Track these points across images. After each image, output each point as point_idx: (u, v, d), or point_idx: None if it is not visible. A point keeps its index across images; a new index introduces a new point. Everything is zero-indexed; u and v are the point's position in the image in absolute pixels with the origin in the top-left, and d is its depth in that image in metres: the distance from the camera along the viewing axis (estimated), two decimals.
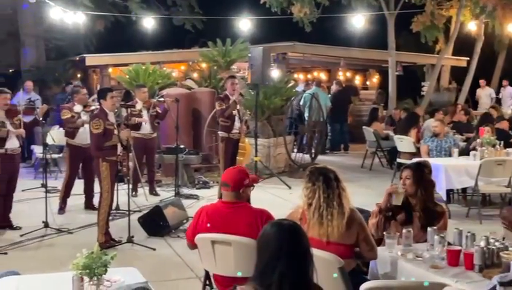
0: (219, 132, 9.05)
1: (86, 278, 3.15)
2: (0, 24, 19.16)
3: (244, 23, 14.27)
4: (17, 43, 18.24)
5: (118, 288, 3.34)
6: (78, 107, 8.95)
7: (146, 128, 9.95)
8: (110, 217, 8.53)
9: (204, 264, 4.45)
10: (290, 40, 16.01)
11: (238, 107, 8.89)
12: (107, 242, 7.24)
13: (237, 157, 8.88)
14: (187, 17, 18.40)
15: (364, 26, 14.68)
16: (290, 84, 12.93)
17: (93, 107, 8.99)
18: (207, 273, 4.52)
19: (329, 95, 15.60)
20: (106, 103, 7.33)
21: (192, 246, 4.45)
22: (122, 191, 9.02)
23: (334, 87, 16.22)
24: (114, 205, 8.84)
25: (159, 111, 10.14)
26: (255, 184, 4.50)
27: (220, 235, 4.20)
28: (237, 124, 8.86)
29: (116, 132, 7.28)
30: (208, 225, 4.27)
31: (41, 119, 8.59)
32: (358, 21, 14.15)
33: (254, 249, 4.04)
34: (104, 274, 3.14)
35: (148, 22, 15.12)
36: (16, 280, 3.80)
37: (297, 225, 2.87)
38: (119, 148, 7.32)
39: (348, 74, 20.28)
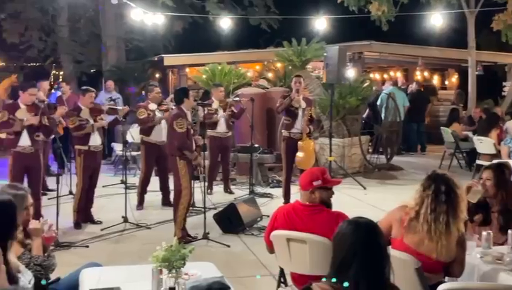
0: (281, 130, 9.02)
1: (165, 271, 3.23)
2: (84, 25, 19.87)
3: (320, 23, 14.18)
4: (99, 44, 18.83)
5: (195, 281, 3.41)
6: (152, 105, 9.15)
7: (222, 127, 10.08)
8: (187, 214, 8.78)
9: (279, 261, 4.47)
10: (366, 39, 15.82)
11: (302, 106, 8.78)
12: (184, 238, 7.36)
13: (296, 158, 8.78)
14: (263, 17, 18.47)
15: (443, 25, 14.31)
16: (367, 84, 12.74)
17: (166, 106, 9.20)
18: (282, 271, 4.54)
19: (407, 95, 15.31)
20: (189, 102, 7.48)
21: (271, 249, 4.44)
22: (197, 189, 9.21)
23: (413, 87, 15.92)
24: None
25: (235, 111, 10.25)
26: (330, 186, 4.34)
27: (295, 232, 4.21)
28: (299, 123, 8.77)
29: (192, 131, 7.40)
30: (284, 224, 4.27)
31: (121, 119, 8.90)
32: (437, 19, 13.80)
33: (329, 248, 4.05)
34: (182, 267, 3.21)
35: (225, 22, 15.27)
36: (98, 271, 3.94)
37: (374, 223, 2.84)
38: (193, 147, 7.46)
39: (426, 74, 19.85)
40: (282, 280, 4.58)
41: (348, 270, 2.71)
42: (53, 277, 4.01)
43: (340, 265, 2.76)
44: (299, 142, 8.73)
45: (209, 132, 10.02)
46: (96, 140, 8.16)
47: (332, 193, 4.33)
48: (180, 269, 3.17)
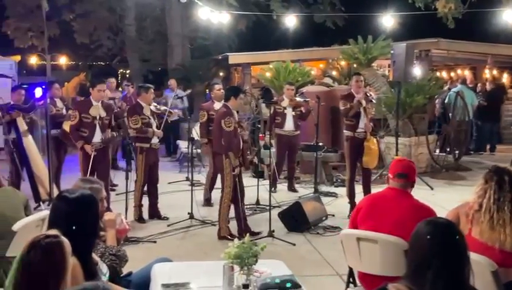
0: (344, 131, 8.87)
1: (237, 268, 3.23)
2: (150, 24, 20.24)
3: (387, 20, 13.97)
4: (164, 43, 19.13)
5: (266, 279, 3.40)
6: (218, 104, 9.18)
7: (289, 125, 10.03)
8: (250, 212, 8.80)
9: (349, 261, 4.41)
10: (433, 36, 15.49)
11: (364, 105, 8.62)
12: (230, 235, 7.35)
13: (363, 158, 8.63)
14: (328, 15, 18.34)
15: (508, 22, 13.83)
16: (434, 82, 12.46)
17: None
18: (351, 270, 4.47)
19: (476, 94, 14.90)
20: (234, 102, 7.44)
21: None
22: (261, 187, 9.22)
23: (488, 86, 15.50)
24: (254, 200, 9.08)
25: (303, 111, 10.18)
26: None
27: (366, 232, 4.15)
28: (362, 122, 8.60)
29: (239, 130, 7.39)
30: (368, 207, 4.32)
31: (169, 122, 9.10)
32: (509, 16, 13.33)
33: (401, 248, 3.98)
34: (254, 264, 3.20)
35: (290, 20, 15.25)
36: (168, 265, 3.99)
37: (453, 224, 2.76)
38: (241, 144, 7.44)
39: (495, 72, 19.26)
40: (351, 280, 4.51)
41: (426, 271, 2.64)
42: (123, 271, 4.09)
43: (418, 266, 2.68)
44: (366, 143, 8.59)
45: (277, 130, 10.01)
46: (155, 138, 8.34)
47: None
48: (252, 266, 3.16)
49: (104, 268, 3.36)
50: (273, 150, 10.20)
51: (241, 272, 3.20)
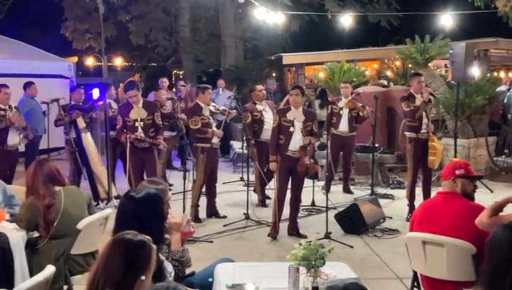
0: (406, 133, 8.69)
1: (303, 270, 3.19)
2: (204, 25, 20.37)
3: (446, 19, 13.70)
4: (218, 43, 19.22)
5: (332, 281, 3.33)
6: (260, 106, 9.16)
7: (344, 126, 9.92)
8: (306, 213, 8.74)
9: (413, 264, 4.31)
10: (491, 36, 15.10)
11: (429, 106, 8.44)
12: (275, 233, 7.43)
13: (429, 157, 8.43)
14: (383, 14, 18.09)
15: None
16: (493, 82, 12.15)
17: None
18: (415, 274, 4.38)
19: None
20: (290, 99, 7.49)
21: None
22: (316, 188, 9.15)
23: None
24: (309, 201, 9.02)
25: (360, 114, 10.04)
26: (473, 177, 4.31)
27: (431, 235, 4.05)
28: (425, 123, 8.41)
29: (292, 129, 7.34)
30: (421, 213, 4.27)
31: (228, 121, 9.15)
32: None
33: (469, 252, 3.87)
34: (321, 267, 3.15)
35: (345, 20, 15.11)
36: (231, 266, 3.97)
37: None
38: (295, 145, 7.37)
39: None
40: (415, 284, 4.41)
41: (504, 277, 2.55)
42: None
43: (496, 272, 2.59)
44: (430, 143, 8.42)
45: (331, 130, 9.92)
46: (216, 138, 8.34)
47: (475, 187, 4.30)
48: (319, 269, 3.12)
49: (169, 267, 3.37)
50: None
51: (308, 274, 3.15)
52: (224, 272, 3.78)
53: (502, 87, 14.41)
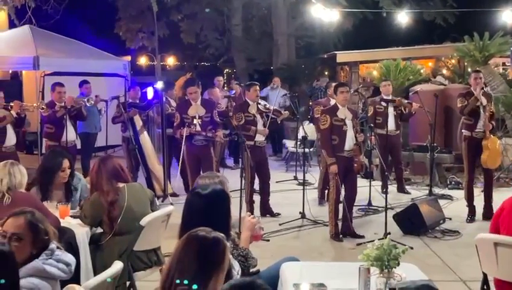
0: (462, 130, 8.48)
1: (374, 270, 3.11)
2: (256, 24, 20.37)
3: (508, 15, 13.30)
4: (270, 42, 19.19)
5: (403, 283, 3.25)
6: (332, 101, 9.09)
7: (390, 124, 9.71)
8: (363, 213, 8.63)
9: (484, 266, 4.17)
10: None
11: (484, 104, 8.17)
12: (336, 235, 7.30)
13: (482, 156, 8.20)
14: (439, 11, 17.73)
15: None
16: None
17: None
18: (485, 277, 4.23)
19: None
20: (337, 98, 7.40)
21: None
22: (372, 188, 9.02)
23: None
24: (366, 201, 8.89)
25: (404, 112, 9.86)
26: None
27: (503, 237, 3.91)
28: (481, 121, 8.16)
29: (345, 128, 7.22)
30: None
31: (279, 122, 9.12)
32: None
33: None
34: (395, 268, 3.07)
35: (401, 17, 14.87)
36: (297, 265, 3.92)
37: None
38: (350, 144, 7.26)
39: None
40: (485, 287, 4.26)
41: None
42: None
43: None
44: (483, 142, 8.17)
45: (377, 130, 9.71)
46: (261, 136, 8.33)
47: None
48: (392, 270, 3.03)
49: (236, 265, 3.34)
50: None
51: (381, 275, 3.07)
52: (290, 271, 3.73)
53: None
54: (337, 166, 7.18)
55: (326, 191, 9.07)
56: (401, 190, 10.08)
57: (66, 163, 5.30)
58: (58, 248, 3.30)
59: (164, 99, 9.44)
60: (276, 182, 10.55)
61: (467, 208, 8.33)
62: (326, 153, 7.29)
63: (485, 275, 4.23)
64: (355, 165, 7.41)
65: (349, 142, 7.27)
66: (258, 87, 8.49)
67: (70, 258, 3.28)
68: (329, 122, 7.19)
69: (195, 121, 8.11)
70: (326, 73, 18.56)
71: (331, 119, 7.20)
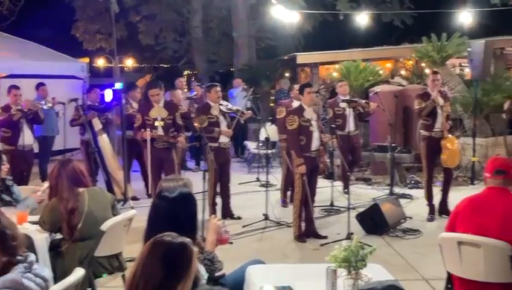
0: (420, 131, 8.60)
1: (341, 272, 3.09)
2: (216, 26, 20.30)
3: (464, 17, 13.56)
4: (231, 44, 19.15)
5: (369, 284, 3.24)
6: (296, 103, 9.07)
7: (350, 125, 9.77)
8: (325, 213, 8.65)
9: (447, 265, 4.19)
10: (508, 34, 14.90)
11: (441, 104, 8.30)
12: (300, 236, 7.30)
13: (441, 156, 8.31)
14: (396, 12, 17.94)
15: None
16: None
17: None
18: (449, 276, 4.26)
19: None
20: (304, 99, 7.39)
21: None
22: (334, 188, 9.05)
23: None
24: (328, 202, 8.92)
25: (362, 111, 9.94)
26: None
27: (468, 235, 3.95)
28: (439, 122, 8.29)
29: (311, 128, 7.23)
30: (468, 208, 4.15)
31: (242, 122, 9.04)
32: None
33: (507, 253, 3.76)
34: (362, 269, 3.05)
35: (359, 19, 15.00)
36: (264, 268, 3.88)
37: None
38: (316, 145, 7.29)
39: None
40: (449, 285, 4.29)
41: None
42: None
43: None
44: (442, 142, 8.29)
45: (338, 132, 9.74)
46: (225, 138, 8.29)
47: None
48: (360, 271, 3.01)
49: (202, 270, 3.28)
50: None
51: (349, 276, 3.05)
52: (256, 274, 3.69)
53: None
54: (305, 166, 7.17)
55: (289, 193, 9.11)
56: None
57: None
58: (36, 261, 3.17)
59: (124, 101, 9.31)
60: (239, 183, 10.53)
61: (427, 207, 8.43)
62: (295, 153, 7.26)
63: (449, 274, 4.26)
64: (321, 165, 7.45)
65: (316, 143, 7.31)
66: (219, 88, 8.44)
67: (47, 273, 3.16)
68: (297, 123, 7.19)
69: (156, 123, 8.01)
70: (287, 74, 18.59)
71: (299, 120, 7.20)
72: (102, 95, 9.50)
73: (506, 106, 11.63)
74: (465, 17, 13.57)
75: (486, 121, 11.40)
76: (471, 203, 4.14)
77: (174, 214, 3.18)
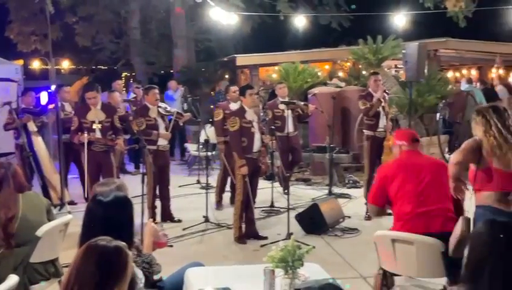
0: (364, 131, 8.78)
1: (279, 272, 3.12)
2: (155, 27, 20.13)
3: (400, 19, 13.90)
4: (169, 45, 19.03)
5: (306, 283, 3.28)
6: (234, 105, 9.08)
7: (289, 127, 9.83)
8: (266, 214, 8.70)
9: (382, 263, 4.29)
10: (441, 36, 15.37)
11: (382, 104, 8.53)
12: (241, 238, 7.32)
13: (383, 157, 8.52)
14: (333, 15, 18.23)
15: None
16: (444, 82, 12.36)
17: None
18: (384, 273, 4.36)
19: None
20: (245, 100, 7.42)
21: (382, 208, 4.66)
22: (274, 189, 9.11)
23: (496, 84, 15.40)
24: (267, 203, 8.97)
25: (301, 113, 10.05)
26: None
27: (401, 233, 4.06)
28: (382, 121, 8.51)
29: (253, 130, 7.29)
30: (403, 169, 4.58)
31: (181, 125, 8.99)
32: None
33: (438, 249, 3.88)
34: (299, 268, 3.09)
35: (298, 21, 15.15)
36: (202, 270, 3.87)
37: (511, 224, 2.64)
38: (257, 146, 7.35)
39: (501, 71, 19.12)
40: (384, 282, 4.39)
41: (482, 272, 2.53)
42: None
43: (475, 267, 2.57)
44: (385, 142, 8.48)
45: (277, 133, 9.81)
46: (164, 140, 8.24)
47: None
48: (297, 270, 3.05)
49: (139, 274, 3.25)
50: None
51: (286, 276, 3.08)
52: (195, 276, 3.68)
53: (462, 86, 14.67)
54: (247, 167, 7.19)
55: (224, 195, 9.13)
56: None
57: None
58: None
59: (59, 104, 9.11)
60: (179, 186, 10.47)
61: (364, 205, 8.55)
62: (237, 154, 7.28)
63: (384, 271, 4.36)
64: (263, 166, 7.50)
65: (257, 144, 7.34)
66: (157, 91, 8.38)
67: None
68: (239, 124, 7.21)
69: (94, 126, 7.88)
70: (226, 76, 18.62)
71: (241, 121, 7.22)
72: (38, 98, 9.27)
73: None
74: (400, 20, 13.90)
75: (420, 121, 11.70)
76: (400, 167, 4.61)
77: (109, 218, 3.14)
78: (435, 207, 4.30)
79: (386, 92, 8.85)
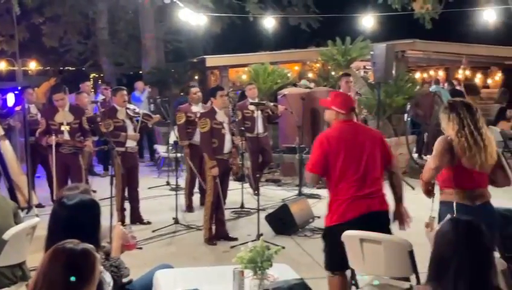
0: None
1: (249, 272, 3.13)
2: (123, 27, 19.99)
3: (366, 21, 14.01)
4: (138, 46, 18.92)
5: (276, 284, 3.30)
6: (195, 107, 9.04)
7: (259, 127, 9.84)
8: (236, 215, 8.71)
9: (351, 263, 4.33)
10: (409, 37, 15.56)
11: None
12: (210, 239, 7.32)
13: None
14: (302, 16, 18.32)
15: (491, 22, 13.87)
16: (411, 83, 12.52)
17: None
18: (353, 272, 4.40)
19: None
20: (216, 102, 7.41)
21: (320, 176, 4.67)
22: (244, 190, 9.12)
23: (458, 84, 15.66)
24: (237, 204, 8.98)
25: (271, 114, 10.08)
26: None
27: (369, 233, 4.09)
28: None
29: (223, 131, 7.30)
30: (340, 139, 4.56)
31: (150, 126, 9.00)
32: (489, 15, 13.22)
33: (406, 249, 3.93)
34: (268, 269, 3.10)
35: (267, 22, 15.18)
36: (171, 272, 3.86)
37: (476, 222, 2.69)
38: (228, 147, 7.37)
39: (468, 72, 19.47)
40: (353, 282, 4.43)
41: (447, 270, 2.57)
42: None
43: (440, 265, 2.62)
44: None
45: (247, 134, 9.82)
46: (132, 142, 8.21)
47: None
48: (265, 271, 3.06)
49: (107, 277, 3.23)
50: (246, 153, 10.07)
51: (255, 277, 3.09)
52: (164, 278, 3.67)
53: (432, 87, 14.86)
54: (218, 169, 7.18)
55: (193, 197, 9.11)
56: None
57: None
58: None
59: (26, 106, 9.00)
60: (149, 188, 10.42)
61: None
62: (208, 156, 7.27)
63: (353, 271, 4.40)
64: (234, 167, 7.51)
65: (228, 145, 7.36)
66: (125, 92, 8.34)
67: None
68: (209, 126, 7.20)
69: (62, 128, 7.80)
70: (196, 77, 18.57)
71: (211, 123, 7.21)
72: (4, 100, 9.12)
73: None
74: (368, 21, 14.02)
75: (389, 121, 11.83)
76: (342, 143, 4.54)
77: (74, 221, 3.12)
78: (374, 189, 4.45)
79: (358, 94, 8.92)
